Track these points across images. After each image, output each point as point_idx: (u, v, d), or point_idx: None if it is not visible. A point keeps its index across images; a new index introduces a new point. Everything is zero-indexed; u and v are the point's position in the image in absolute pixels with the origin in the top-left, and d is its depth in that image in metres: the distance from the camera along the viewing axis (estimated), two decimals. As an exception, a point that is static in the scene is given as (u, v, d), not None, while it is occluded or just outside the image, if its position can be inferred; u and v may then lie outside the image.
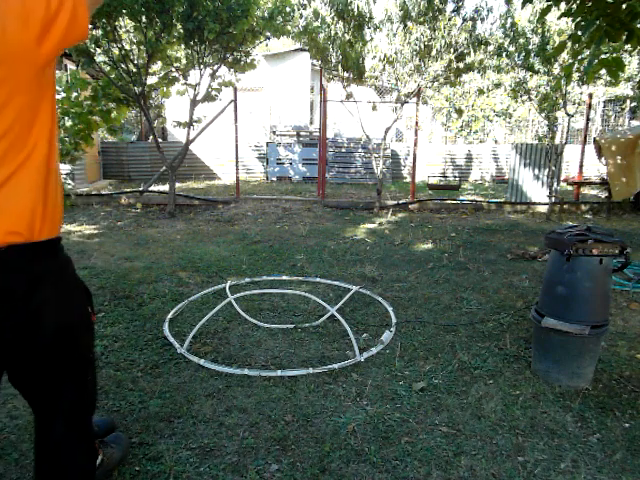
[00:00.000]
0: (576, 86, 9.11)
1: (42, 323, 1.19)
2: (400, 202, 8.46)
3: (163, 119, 16.33)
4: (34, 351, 1.22)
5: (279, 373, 2.52)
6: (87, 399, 1.40)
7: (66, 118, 7.33)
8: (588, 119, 8.84)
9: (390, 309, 3.44)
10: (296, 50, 14.19)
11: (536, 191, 8.49)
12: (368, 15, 7.43)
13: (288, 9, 7.11)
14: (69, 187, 8.22)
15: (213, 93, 7.70)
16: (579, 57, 3.37)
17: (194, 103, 7.45)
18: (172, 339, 2.89)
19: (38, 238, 1.15)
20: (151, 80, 7.71)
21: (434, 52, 7.44)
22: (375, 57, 7.76)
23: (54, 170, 1.20)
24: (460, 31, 7.37)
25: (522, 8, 3.39)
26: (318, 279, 4.14)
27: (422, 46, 7.37)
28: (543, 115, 8.22)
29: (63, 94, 7.26)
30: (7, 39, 1.05)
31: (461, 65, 7.68)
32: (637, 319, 3.39)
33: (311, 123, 15.37)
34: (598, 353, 2.48)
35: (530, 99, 8.16)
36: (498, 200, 8.80)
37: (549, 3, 3.07)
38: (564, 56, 7.27)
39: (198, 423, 2.10)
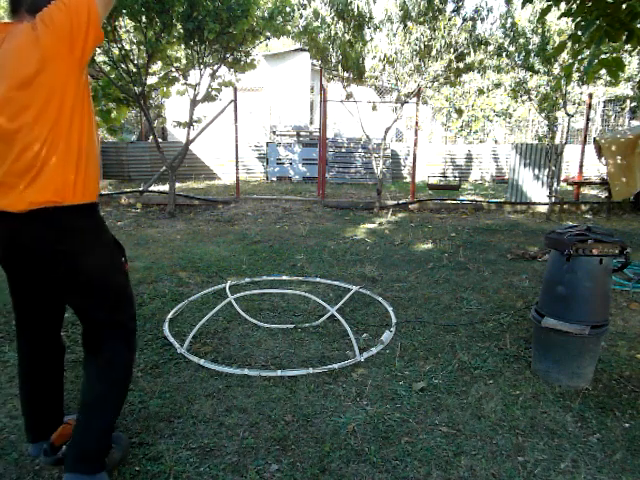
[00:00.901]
0: (576, 86, 9.11)
1: (76, 266, 1.57)
2: (400, 202, 8.46)
3: (163, 119, 16.33)
4: (74, 286, 1.61)
5: (279, 373, 2.52)
6: (123, 319, 1.76)
7: (66, 118, 7.33)
8: (588, 119, 8.84)
9: (390, 309, 3.44)
10: (296, 50, 14.20)
11: (536, 191, 8.49)
12: (368, 15, 7.43)
13: (288, 9, 7.11)
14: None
15: (213, 93, 7.70)
16: (579, 57, 3.37)
17: (194, 103, 7.45)
18: (172, 339, 2.89)
19: (71, 202, 1.51)
20: (151, 80, 7.71)
21: (434, 52, 7.44)
22: (375, 57, 7.76)
23: (85, 152, 1.54)
24: (460, 31, 7.37)
25: (522, 8, 3.39)
26: (318, 279, 4.14)
27: (422, 46, 7.37)
28: (543, 115, 8.22)
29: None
30: (42, 51, 1.41)
31: (461, 65, 7.68)
32: (637, 319, 3.39)
33: (311, 123, 15.37)
34: (598, 353, 2.48)
35: (530, 99, 8.16)
36: (498, 200, 8.80)
37: (549, 3, 3.07)
38: (564, 56, 7.27)
39: (198, 423, 2.10)
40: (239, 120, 8.72)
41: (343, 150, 12.98)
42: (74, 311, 1.71)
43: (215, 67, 7.41)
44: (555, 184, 7.99)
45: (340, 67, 7.95)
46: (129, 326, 1.79)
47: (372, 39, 7.77)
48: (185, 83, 7.52)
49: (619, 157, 7.50)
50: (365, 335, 3.05)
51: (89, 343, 1.73)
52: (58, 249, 1.53)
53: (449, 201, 8.54)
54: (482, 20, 7.50)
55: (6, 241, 1.56)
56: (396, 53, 7.59)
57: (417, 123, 8.68)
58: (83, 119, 1.54)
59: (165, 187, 9.64)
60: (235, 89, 8.25)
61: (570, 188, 9.58)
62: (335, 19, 7.44)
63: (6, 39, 1.48)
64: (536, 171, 8.48)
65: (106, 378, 1.70)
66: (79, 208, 1.54)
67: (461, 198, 8.99)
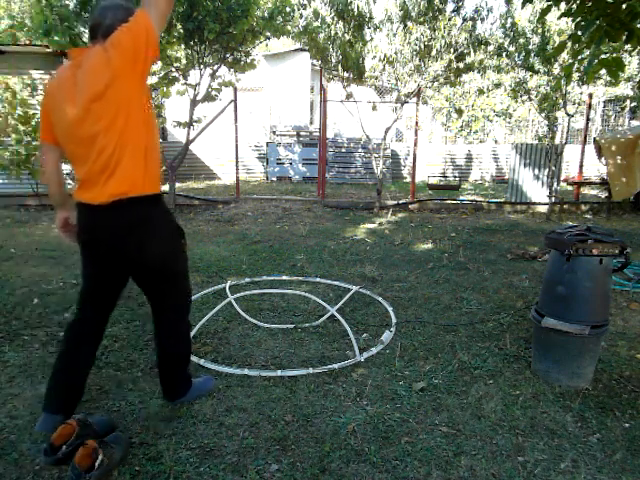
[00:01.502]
0: (576, 86, 9.10)
1: (144, 249, 1.85)
2: (400, 202, 8.46)
3: (163, 119, 16.31)
4: (141, 267, 1.94)
5: (279, 373, 2.52)
6: (180, 299, 2.12)
7: (66, 118, 7.34)
8: (588, 119, 8.84)
9: (390, 309, 3.44)
10: (296, 50, 14.19)
11: (536, 191, 8.49)
12: (368, 15, 7.43)
13: (288, 9, 7.12)
14: (69, 187, 8.22)
15: (213, 93, 7.69)
16: (579, 57, 3.37)
17: (194, 103, 7.45)
18: (172, 339, 2.89)
19: (140, 193, 1.81)
20: (151, 80, 7.71)
21: (434, 52, 7.44)
22: (375, 57, 7.75)
23: (150, 151, 1.85)
24: (460, 31, 7.36)
25: (522, 8, 3.38)
26: (318, 279, 4.14)
27: (422, 46, 7.37)
28: (543, 115, 8.22)
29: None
30: (113, 69, 1.70)
31: (461, 65, 7.68)
32: (637, 319, 3.39)
33: (311, 123, 15.37)
34: (598, 353, 2.48)
35: (530, 99, 8.16)
36: (498, 200, 8.80)
37: (549, 3, 3.07)
38: (564, 56, 7.27)
39: (198, 423, 2.10)
40: (239, 120, 8.72)
41: (343, 150, 12.97)
42: (141, 289, 2.08)
43: (215, 67, 7.41)
44: (555, 184, 7.99)
45: (340, 67, 7.95)
46: (186, 301, 2.16)
47: (372, 39, 7.77)
48: (185, 83, 7.52)
49: (619, 157, 7.50)
50: (365, 335, 3.05)
51: (155, 314, 2.11)
52: (129, 239, 1.83)
53: (449, 201, 8.54)
54: (482, 20, 7.50)
55: (88, 228, 1.88)
56: (396, 53, 7.59)
57: (417, 123, 8.68)
58: (147, 124, 1.84)
59: (165, 187, 9.63)
60: (235, 89, 8.24)
61: (570, 188, 9.57)
62: (335, 19, 7.44)
63: (83, 61, 1.77)
64: (536, 171, 8.48)
65: (174, 332, 2.13)
66: (147, 198, 1.85)
67: (461, 198, 8.99)
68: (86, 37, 6.54)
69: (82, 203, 1.85)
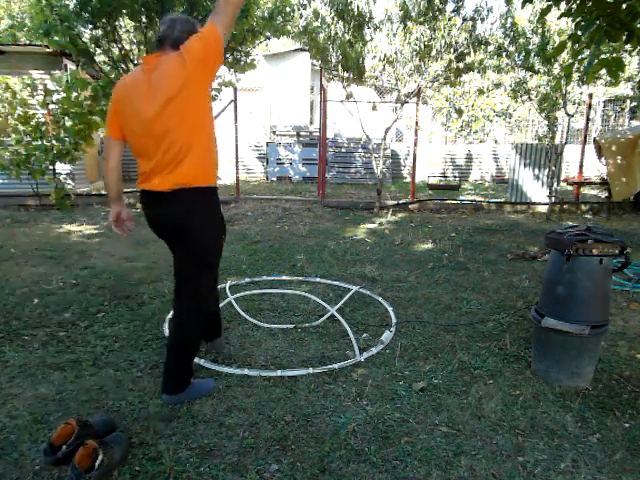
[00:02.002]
0: (576, 86, 9.11)
1: (186, 235, 2.11)
2: (400, 202, 8.46)
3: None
4: (181, 245, 2.18)
5: (279, 373, 2.52)
6: (201, 288, 2.26)
7: (66, 118, 7.35)
8: (588, 119, 8.84)
9: (390, 309, 3.44)
10: (296, 50, 14.19)
11: (536, 191, 8.49)
12: (368, 15, 7.43)
13: (288, 9, 7.13)
14: (69, 187, 8.22)
15: (213, 93, 7.69)
16: (579, 57, 3.36)
17: (194, 103, 7.44)
18: (172, 339, 2.89)
19: (199, 184, 2.06)
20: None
21: (434, 52, 7.44)
22: (375, 57, 7.76)
23: (210, 148, 2.09)
24: (460, 31, 7.36)
25: (522, 8, 3.38)
26: (318, 279, 4.14)
27: (422, 46, 7.37)
28: (543, 115, 8.22)
29: (63, 94, 7.28)
30: (188, 73, 1.94)
31: (461, 65, 7.68)
32: (637, 319, 3.39)
33: (311, 123, 15.37)
34: (598, 353, 2.48)
35: (530, 99, 8.16)
36: (498, 200, 8.80)
37: (549, 3, 3.07)
38: (564, 56, 7.27)
39: (198, 423, 2.10)
40: (239, 120, 8.71)
41: (343, 150, 12.97)
42: (175, 268, 2.29)
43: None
44: (555, 184, 7.99)
45: (340, 67, 7.95)
46: (198, 298, 2.27)
47: (372, 39, 7.77)
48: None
49: (619, 157, 7.50)
50: (365, 335, 3.05)
51: (177, 296, 2.30)
52: (183, 222, 2.10)
53: (449, 201, 8.54)
54: (482, 20, 7.50)
55: (153, 213, 2.18)
56: (396, 53, 7.59)
57: (417, 123, 8.68)
58: (210, 124, 2.09)
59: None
60: (235, 89, 8.25)
61: (570, 188, 9.58)
62: (335, 19, 7.44)
63: (158, 66, 1.99)
64: (536, 171, 8.48)
65: (191, 314, 2.26)
66: (204, 190, 2.09)
67: (461, 198, 8.99)
68: (86, 37, 6.56)
69: (147, 191, 2.13)
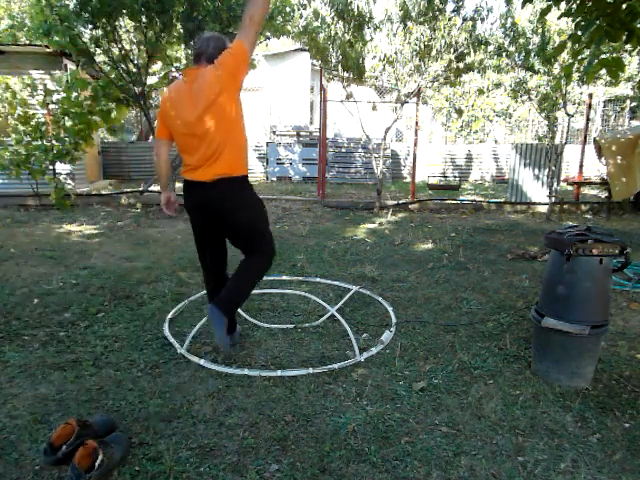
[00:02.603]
0: (576, 86, 9.11)
1: (236, 217, 2.48)
2: (400, 202, 8.46)
3: (163, 119, 16.29)
4: (233, 227, 2.54)
5: (279, 373, 2.52)
6: (265, 248, 2.65)
7: (66, 118, 7.34)
8: (588, 119, 8.84)
9: (390, 309, 3.44)
10: (296, 50, 14.19)
11: (536, 191, 8.50)
12: (368, 15, 7.43)
13: (288, 9, 7.12)
14: (69, 187, 8.22)
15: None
16: (579, 57, 3.36)
17: (194, 103, 7.44)
18: (172, 339, 2.89)
19: (236, 174, 2.44)
20: (151, 80, 7.71)
21: (434, 52, 7.44)
22: (375, 57, 7.75)
23: (242, 144, 2.48)
24: (460, 31, 7.36)
25: (522, 8, 3.38)
26: (318, 279, 4.14)
27: (422, 46, 7.37)
28: (543, 115, 8.22)
29: (63, 94, 7.28)
30: (222, 83, 2.32)
31: (461, 65, 7.68)
32: (637, 319, 3.39)
33: (311, 123, 15.37)
34: (598, 353, 2.48)
35: (530, 99, 8.16)
36: (498, 200, 8.80)
37: (549, 3, 3.06)
38: (564, 56, 7.27)
39: (198, 423, 2.10)
40: (239, 120, 8.70)
41: (343, 150, 12.97)
42: (234, 246, 2.66)
43: (215, 67, 7.40)
44: (555, 184, 7.99)
45: (340, 67, 7.95)
46: (269, 252, 2.67)
47: (372, 39, 7.77)
48: (185, 83, 7.52)
49: (619, 157, 7.50)
50: (365, 335, 3.05)
51: (246, 257, 2.66)
52: (226, 206, 2.44)
53: (449, 201, 8.54)
54: (482, 20, 7.50)
55: (198, 199, 2.50)
56: (396, 53, 7.59)
57: (417, 123, 8.68)
58: (241, 124, 2.47)
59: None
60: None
61: (570, 188, 9.57)
62: (335, 19, 7.44)
63: (198, 77, 2.38)
64: (536, 171, 8.48)
65: (251, 268, 2.63)
66: (239, 178, 2.47)
67: (461, 198, 8.99)
68: (86, 37, 6.56)
69: (191, 181, 2.49)
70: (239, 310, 3.34)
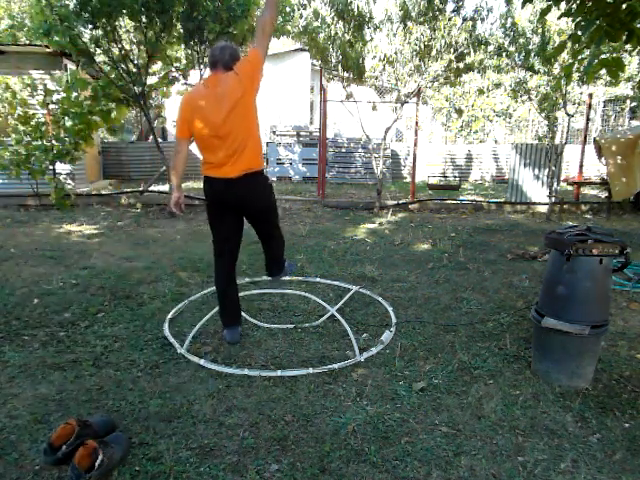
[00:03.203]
0: (576, 86, 9.10)
1: (257, 204, 2.83)
2: (400, 202, 8.46)
3: (163, 119, 16.33)
4: (253, 212, 2.88)
5: (279, 373, 2.52)
6: (276, 232, 3.05)
7: (66, 118, 7.34)
8: (588, 119, 8.84)
9: (390, 309, 3.44)
10: (296, 50, 14.19)
11: (536, 191, 8.49)
12: (368, 15, 7.43)
13: (288, 9, 7.12)
14: (69, 187, 8.22)
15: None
16: (579, 57, 3.36)
17: (194, 103, 7.44)
18: (172, 339, 2.89)
19: (256, 169, 2.73)
20: (151, 80, 7.71)
21: (434, 52, 7.44)
22: (375, 57, 7.75)
23: (259, 142, 2.77)
24: (460, 31, 7.36)
25: (522, 8, 3.38)
26: (318, 279, 4.14)
27: (422, 46, 7.37)
28: (543, 115, 8.22)
29: (63, 94, 7.28)
30: (244, 86, 2.62)
31: (461, 65, 7.68)
32: (637, 319, 3.39)
33: (311, 123, 15.37)
34: (598, 353, 2.48)
35: (530, 99, 8.16)
36: (498, 200, 8.80)
37: (549, 3, 3.06)
38: (564, 56, 7.26)
39: (198, 423, 2.10)
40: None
41: (343, 150, 12.97)
42: (255, 228, 2.99)
43: (215, 67, 7.40)
44: (555, 184, 7.99)
45: (340, 67, 7.94)
46: (280, 234, 3.10)
47: (372, 39, 7.76)
48: (185, 83, 7.53)
49: (619, 157, 7.50)
50: (365, 335, 3.05)
51: (265, 240, 3.06)
52: (249, 195, 2.76)
53: (449, 201, 8.54)
54: (482, 20, 7.49)
55: (223, 193, 2.75)
56: (396, 53, 7.59)
57: (417, 123, 8.68)
58: (257, 123, 2.77)
59: (165, 187, 9.64)
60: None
61: (570, 188, 9.57)
62: (335, 19, 7.44)
63: (220, 82, 2.66)
64: (536, 171, 8.48)
65: (277, 245, 3.11)
66: (259, 172, 2.77)
67: (461, 198, 8.99)
68: (86, 37, 6.56)
69: (216, 178, 2.73)
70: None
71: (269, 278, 3.67)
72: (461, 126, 17.80)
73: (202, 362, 2.61)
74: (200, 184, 10.81)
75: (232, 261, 2.98)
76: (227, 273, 2.96)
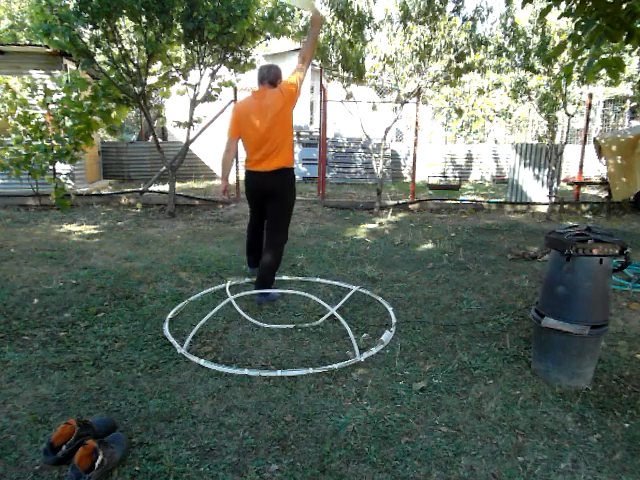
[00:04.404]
0: (576, 86, 9.10)
1: (282, 196, 3.54)
2: (400, 202, 8.46)
3: (163, 119, 16.31)
4: (277, 203, 3.54)
5: (279, 373, 2.52)
6: (284, 226, 3.63)
7: (66, 118, 7.35)
8: (588, 119, 8.84)
9: (390, 309, 3.44)
10: (296, 50, 14.16)
11: (536, 191, 8.49)
12: (368, 15, 7.42)
13: (288, 9, 7.11)
14: (69, 187, 8.22)
15: (213, 93, 7.69)
16: (579, 57, 3.36)
17: (194, 103, 7.45)
18: (172, 339, 2.89)
19: (289, 165, 3.52)
20: (151, 80, 7.70)
21: (434, 52, 7.44)
22: (375, 57, 7.75)
23: (291, 145, 3.53)
24: (460, 31, 7.36)
25: (522, 8, 3.38)
26: (318, 279, 4.14)
27: (422, 46, 7.36)
28: (543, 115, 8.22)
29: (63, 94, 7.28)
30: (284, 101, 3.43)
31: (461, 65, 7.67)
32: (637, 319, 3.39)
33: (311, 123, 15.36)
34: (598, 353, 2.48)
35: (530, 99, 8.16)
36: (498, 200, 8.80)
37: (549, 3, 3.06)
38: (564, 56, 7.26)
39: (198, 423, 2.10)
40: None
41: (343, 150, 12.97)
42: (268, 216, 3.61)
43: (215, 67, 7.40)
44: (555, 184, 7.99)
45: (340, 67, 7.94)
46: (286, 231, 3.68)
47: (372, 39, 7.76)
48: (185, 83, 7.52)
49: (619, 157, 7.50)
50: (365, 335, 3.05)
51: (269, 233, 3.61)
52: (279, 188, 3.51)
53: (449, 201, 8.54)
54: (482, 20, 7.49)
55: (260, 184, 3.55)
56: (396, 53, 7.58)
57: (417, 123, 8.68)
58: (292, 129, 3.53)
59: (165, 187, 9.64)
60: (235, 89, 8.24)
61: (570, 188, 9.57)
62: (335, 19, 7.43)
63: (266, 96, 3.42)
64: (536, 171, 8.48)
65: (273, 248, 3.61)
66: (290, 169, 3.54)
67: (461, 198, 8.99)
68: (85, 37, 6.55)
69: (255, 171, 3.52)
70: (239, 310, 3.35)
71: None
72: (461, 126, 17.80)
73: (202, 362, 2.61)
74: (200, 184, 10.86)
75: (259, 233, 3.90)
76: (254, 243, 3.99)
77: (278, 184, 3.48)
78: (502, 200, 8.75)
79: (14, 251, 4.95)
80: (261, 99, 3.39)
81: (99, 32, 6.45)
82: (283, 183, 3.50)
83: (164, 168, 8.00)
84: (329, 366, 2.59)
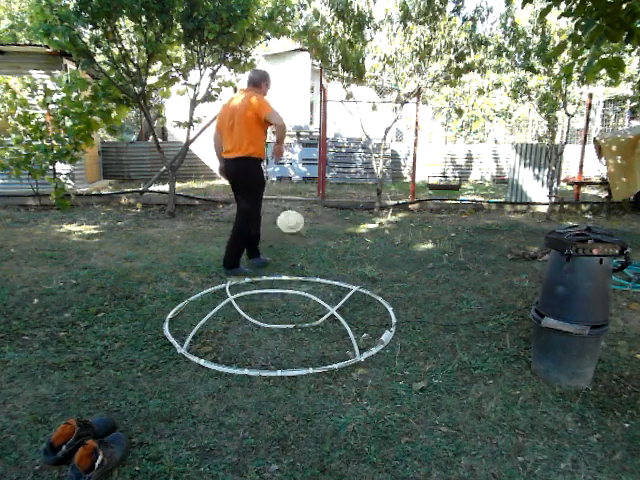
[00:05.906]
0: (576, 86, 9.10)
1: (243, 181, 4.27)
2: (400, 202, 8.46)
3: (163, 119, 16.31)
4: (239, 187, 4.32)
5: (279, 373, 2.52)
6: (247, 200, 4.32)
7: (66, 118, 7.35)
8: (588, 119, 8.84)
9: (390, 309, 3.44)
10: (296, 50, 14.17)
11: (536, 191, 8.49)
12: (368, 15, 7.42)
13: (288, 9, 7.11)
14: (69, 187, 8.22)
15: (213, 93, 7.69)
16: (579, 57, 3.36)
17: (194, 103, 7.44)
18: (172, 339, 2.89)
19: (249, 155, 4.13)
20: (151, 80, 7.71)
21: (434, 52, 7.43)
22: (375, 57, 7.75)
23: (257, 140, 4.15)
24: (460, 31, 7.36)
25: (522, 8, 3.38)
26: (318, 279, 4.14)
27: (422, 46, 7.36)
28: (543, 115, 8.22)
29: (63, 94, 7.28)
30: (244, 109, 4.05)
31: (461, 65, 7.67)
32: (637, 319, 3.39)
33: (311, 123, 15.35)
34: (598, 353, 2.48)
35: (530, 99, 8.16)
36: (498, 200, 8.80)
37: (549, 3, 3.06)
38: (564, 56, 7.26)
39: (198, 423, 2.10)
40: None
41: (343, 150, 12.97)
42: (236, 197, 4.40)
43: (215, 67, 7.40)
44: (555, 184, 7.99)
45: (340, 67, 7.94)
46: (249, 212, 4.34)
47: (372, 39, 7.75)
48: (185, 83, 7.52)
49: (619, 157, 7.50)
50: (365, 335, 3.05)
51: (237, 205, 4.40)
52: (240, 172, 4.19)
53: (449, 201, 8.54)
54: (482, 20, 7.49)
55: (228, 169, 4.24)
56: (396, 53, 7.58)
57: (417, 123, 8.68)
58: (258, 129, 4.07)
59: (165, 187, 9.63)
60: (235, 89, 8.24)
61: (570, 188, 9.57)
62: (335, 19, 7.43)
63: (243, 98, 4.04)
64: (536, 171, 8.48)
65: (239, 214, 4.37)
66: (247, 157, 4.09)
67: (461, 198, 8.99)
68: (86, 37, 6.55)
69: (225, 158, 4.21)
70: (239, 310, 3.35)
71: (269, 278, 4.11)
72: (461, 126, 17.80)
73: (202, 362, 2.61)
74: (200, 184, 10.82)
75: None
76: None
77: (237, 169, 4.16)
78: (502, 200, 8.75)
79: (14, 251, 4.95)
80: (237, 100, 4.08)
81: (99, 32, 6.45)
82: (242, 167, 4.13)
83: (164, 168, 8.00)
84: (329, 366, 2.59)
